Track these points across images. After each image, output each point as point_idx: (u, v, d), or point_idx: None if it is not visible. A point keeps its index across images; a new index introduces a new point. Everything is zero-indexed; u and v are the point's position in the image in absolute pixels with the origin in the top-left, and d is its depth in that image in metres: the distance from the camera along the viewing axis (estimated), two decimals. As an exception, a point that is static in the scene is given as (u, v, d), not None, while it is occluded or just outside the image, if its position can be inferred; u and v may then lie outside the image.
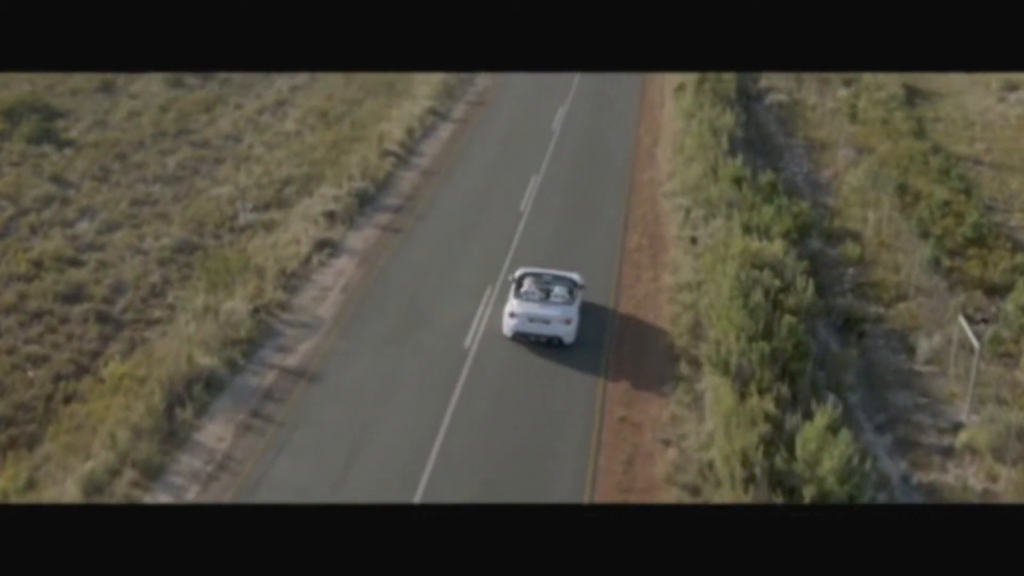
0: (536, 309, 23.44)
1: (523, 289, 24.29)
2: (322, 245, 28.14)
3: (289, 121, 41.22)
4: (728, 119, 40.60)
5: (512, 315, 23.55)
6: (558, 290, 24.34)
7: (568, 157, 36.42)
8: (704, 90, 43.84)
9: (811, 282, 26.11)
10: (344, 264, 27.51)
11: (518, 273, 25.20)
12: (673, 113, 42.58)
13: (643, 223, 31.34)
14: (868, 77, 51.46)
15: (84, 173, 34.68)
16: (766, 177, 34.80)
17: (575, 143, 38.43)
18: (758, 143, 43.76)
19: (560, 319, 23.43)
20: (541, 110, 42.75)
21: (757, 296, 24.10)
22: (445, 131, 39.32)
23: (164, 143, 38.31)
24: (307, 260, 27.29)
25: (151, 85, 44.89)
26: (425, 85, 43.92)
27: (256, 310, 24.21)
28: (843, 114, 46.10)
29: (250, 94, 44.98)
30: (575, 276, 25.19)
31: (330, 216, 29.76)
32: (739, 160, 35.61)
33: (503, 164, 36.07)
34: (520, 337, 23.50)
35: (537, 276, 24.89)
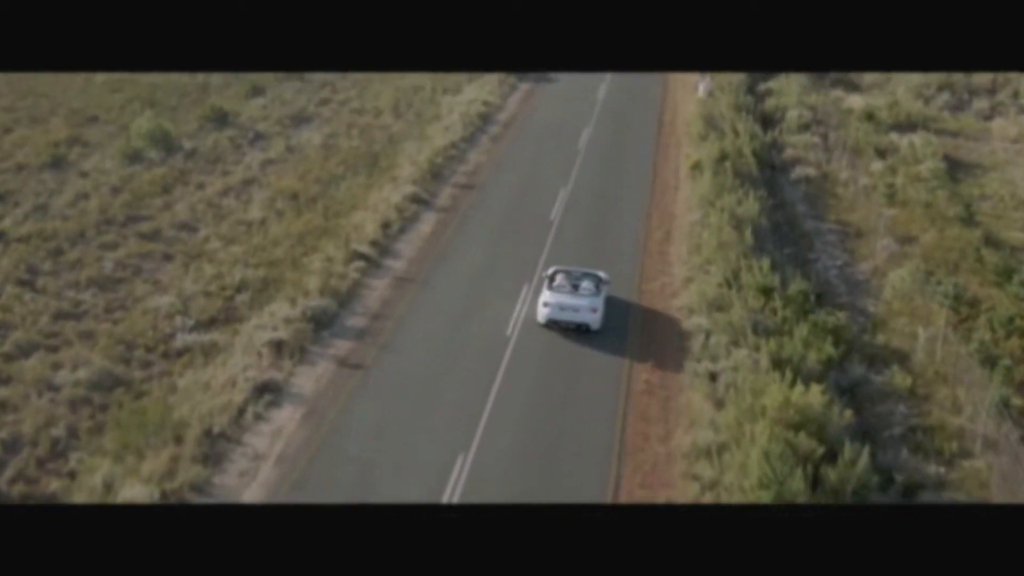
0: (567, 299, 26.98)
1: (555, 283, 27.63)
2: (262, 389, 23.14)
3: (254, 206, 36.47)
4: (751, 206, 35.70)
5: (546, 304, 27.01)
6: (586, 284, 27.65)
7: (568, 260, 31.35)
8: (723, 169, 38.98)
9: (864, 452, 21.00)
10: (286, 419, 22.42)
11: (551, 270, 28.51)
12: (688, 197, 37.68)
13: (652, 351, 26.29)
14: (905, 148, 46.54)
15: (7, 276, 29.95)
16: (797, 285, 29.81)
17: (577, 239, 33.43)
18: (784, 227, 38.84)
19: (588, 308, 26.84)
20: (539, 193, 37.75)
21: (796, 482, 19.08)
22: (427, 223, 34.32)
23: (108, 234, 33.63)
24: (241, 412, 22.30)
25: (106, 161, 40.32)
26: (410, 164, 39.10)
27: (164, 496, 19.25)
28: (879, 193, 41.12)
29: (216, 170, 40.32)
30: (601, 273, 28.76)
31: (277, 347, 24.82)
32: (765, 263, 30.62)
33: (491, 268, 31.04)
34: (552, 324, 26.82)
35: (567, 272, 28.33)
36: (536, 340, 26.56)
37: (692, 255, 32.01)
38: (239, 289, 29.66)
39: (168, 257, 32.33)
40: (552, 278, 28.01)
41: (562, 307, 26.80)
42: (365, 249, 30.75)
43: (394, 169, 39.38)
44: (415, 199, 35.37)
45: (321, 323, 26.39)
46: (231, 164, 41.15)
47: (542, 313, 27.02)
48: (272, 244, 32.97)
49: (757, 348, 25.47)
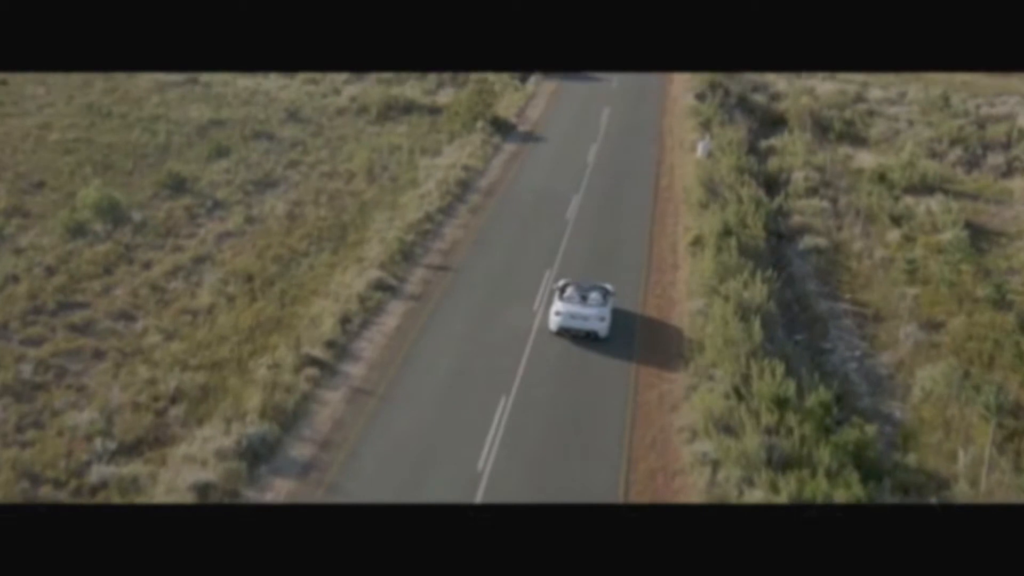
0: (577, 309, 29.05)
1: (566, 294, 29.63)
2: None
3: (204, 291, 32.55)
4: (758, 292, 31.86)
5: (557, 313, 29.05)
6: (594, 295, 29.66)
7: (552, 362, 27.44)
8: (727, 245, 35.17)
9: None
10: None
11: (561, 283, 30.55)
12: (688, 279, 33.82)
13: (651, 489, 22.23)
14: (923, 214, 42.87)
15: (-91, 385, 26.00)
16: (816, 396, 25.89)
17: (563, 336, 29.49)
18: (794, 307, 35.04)
19: (596, 317, 28.97)
20: (521, 277, 33.71)
21: None
22: (393, 315, 30.26)
23: (35, 326, 29.68)
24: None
25: (45, 236, 36.42)
26: (379, 242, 35.20)
27: None
28: (898, 268, 37.35)
29: (166, 245, 36.42)
30: (608, 285, 30.83)
31: (204, 491, 20.78)
32: (778, 366, 26.74)
33: (461, 376, 26.78)
34: (564, 332, 28.79)
35: (577, 284, 30.36)
36: (513, 475, 22.51)
37: (695, 355, 28.11)
38: (174, 399, 25.73)
39: (99, 355, 28.39)
40: (563, 290, 29.98)
41: (572, 316, 28.80)
42: (319, 352, 26.77)
43: (362, 245, 35.51)
44: (381, 285, 31.39)
45: (259, 455, 22.35)
46: (184, 238, 37.29)
47: (554, 321, 29.00)
48: (218, 340, 29.03)
49: (774, 487, 21.51)
